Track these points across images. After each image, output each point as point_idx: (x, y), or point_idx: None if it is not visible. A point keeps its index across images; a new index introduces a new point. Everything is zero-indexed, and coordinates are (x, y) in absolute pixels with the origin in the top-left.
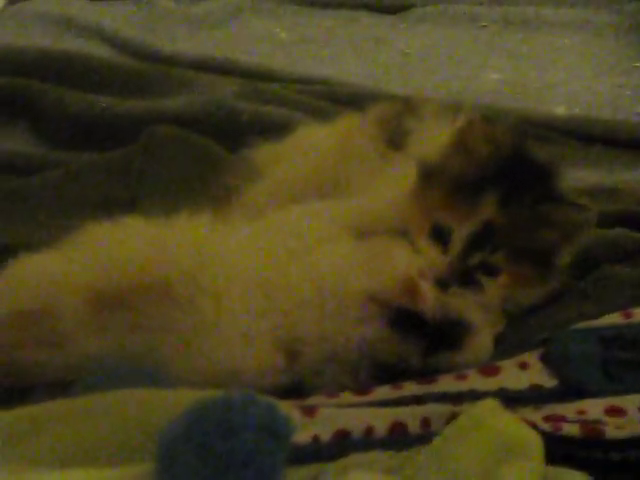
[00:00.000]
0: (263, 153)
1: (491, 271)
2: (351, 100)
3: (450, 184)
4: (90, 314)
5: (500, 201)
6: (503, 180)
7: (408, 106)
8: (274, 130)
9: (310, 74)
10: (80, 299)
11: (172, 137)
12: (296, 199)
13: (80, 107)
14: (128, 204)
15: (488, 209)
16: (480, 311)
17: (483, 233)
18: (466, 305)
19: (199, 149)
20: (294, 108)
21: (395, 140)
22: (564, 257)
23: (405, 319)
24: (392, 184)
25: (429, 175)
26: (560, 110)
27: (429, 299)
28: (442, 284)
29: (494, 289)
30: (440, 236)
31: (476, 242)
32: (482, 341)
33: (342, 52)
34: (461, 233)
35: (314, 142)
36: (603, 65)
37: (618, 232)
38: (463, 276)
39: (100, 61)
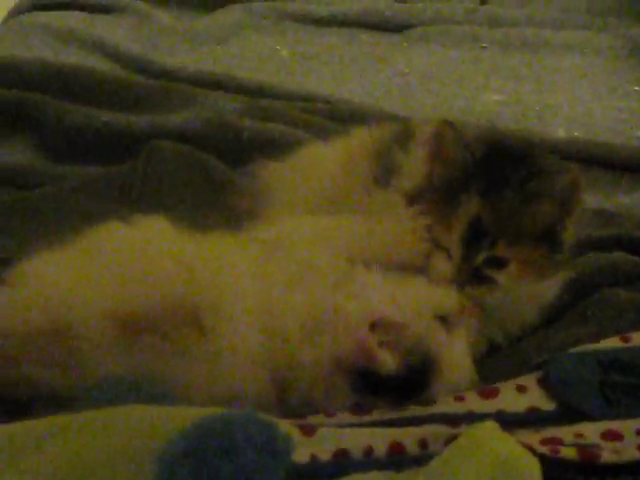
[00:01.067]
0: (269, 173)
1: (499, 263)
2: (352, 119)
3: (434, 197)
4: (115, 337)
5: (482, 195)
6: (481, 175)
7: (402, 134)
8: (275, 147)
9: (311, 92)
10: (105, 321)
11: (174, 153)
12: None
13: (81, 121)
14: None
15: (471, 206)
16: (453, 341)
17: (474, 231)
18: (433, 342)
19: (201, 165)
20: (296, 126)
21: (382, 177)
22: (568, 230)
23: (367, 378)
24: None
25: (412, 199)
26: (560, 132)
27: (382, 358)
28: (459, 286)
29: (507, 280)
30: (440, 247)
31: (471, 241)
32: (455, 371)
33: (343, 70)
34: (455, 238)
35: (319, 164)
36: (603, 88)
37: (617, 256)
38: (474, 276)
39: (102, 75)
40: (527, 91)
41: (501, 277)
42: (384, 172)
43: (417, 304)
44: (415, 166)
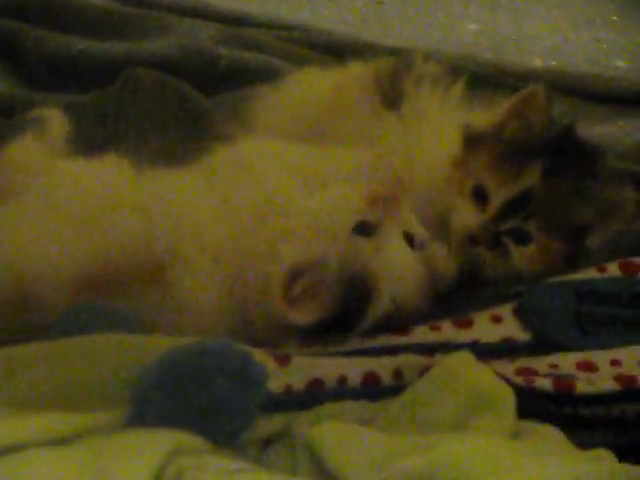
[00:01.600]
0: (257, 97)
1: (522, 238)
2: (330, 48)
3: (498, 148)
4: (77, 298)
5: (544, 172)
6: (550, 153)
7: (405, 66)
8: (253, 76)
9: (288, 21)
10: (69, 284)
11: (150, 80)
12: None
13: (58, 48)
14: (104, 145)
15: (530, 177)
16: (380, 248)
17: (521, 199)
18: (354, 265)
19: (176, 93)
20: (273, 54)
21: (390, 100)
22: (596, 238)
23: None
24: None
25: (475, 140)
26: (537, 62)
27: (292, 316)
28: (472, 241)
29: (520, 257)
30: (479, 197)
31: (513, 207)
32: (392, 278)
33: None
34: (499, 196)
35: (308, 92)
36: (581, 18)
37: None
38: (493, 238)
39: (79, 2)
40: (504, 20)
41: (516, 252)
42: (392, 95)
43: (332, 226)
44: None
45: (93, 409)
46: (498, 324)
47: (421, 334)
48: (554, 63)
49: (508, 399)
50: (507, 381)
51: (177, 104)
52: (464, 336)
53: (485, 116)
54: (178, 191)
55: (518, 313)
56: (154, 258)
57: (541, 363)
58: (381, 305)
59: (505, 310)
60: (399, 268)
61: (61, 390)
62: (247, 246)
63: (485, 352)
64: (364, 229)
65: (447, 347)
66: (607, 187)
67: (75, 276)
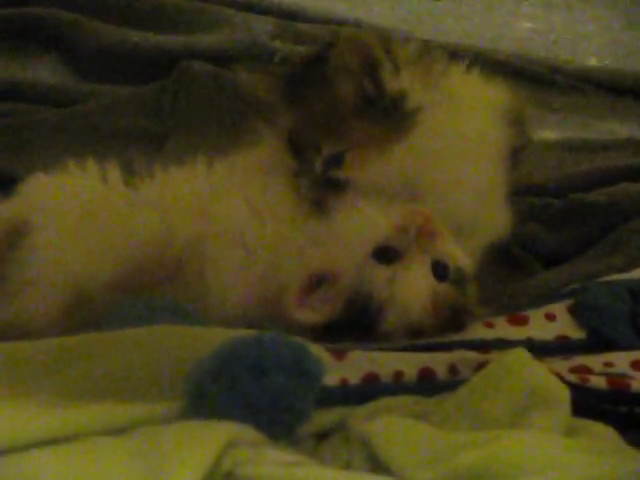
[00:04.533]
0: None
1: (337, 161)
2: None
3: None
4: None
5: (291, 106)
6: (289, 88)
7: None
8: None
9: (343, 16)
10: (108, 289)
11: (205, 73)
12: None
13: (113, 40)
14: (159, 138)
15: (285, 121)
16: (399, 273)
17: (295, 144)
18: (369, 284)
19: (231, 86)
20: None
21: None
22: (385, 79)
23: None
24: None
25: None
26: (591, 61)
27: (302, 316)
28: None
29: (352, 173)
30: (441, 272)
31: (300, 154)
32: (405, 303)
33: None
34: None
35: None
36: (634, 16)
37: None
38: (326, 187)
39: None
40: (558, 19)
41: (343, 173)
42: None
43: (351, 245)
44: None
45: (148, 400)
46: (553, 322)
47: (475, 330)
48: (607, 62)
49: (563, 396)
50: (562, 379)
51: (232, 97)
52: (518, 333)
53: None
54: (208, 185)
55: (573, 311)
56: (174, 254)
57: (595, 361)
58: (391, 329)
59: (560, 308)
60: (411, 300)
61: (116, 381)
62: (280, 246)
63: (539, 350)
64: (384, 255)
65: (502, 344)
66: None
67: (111, 278)
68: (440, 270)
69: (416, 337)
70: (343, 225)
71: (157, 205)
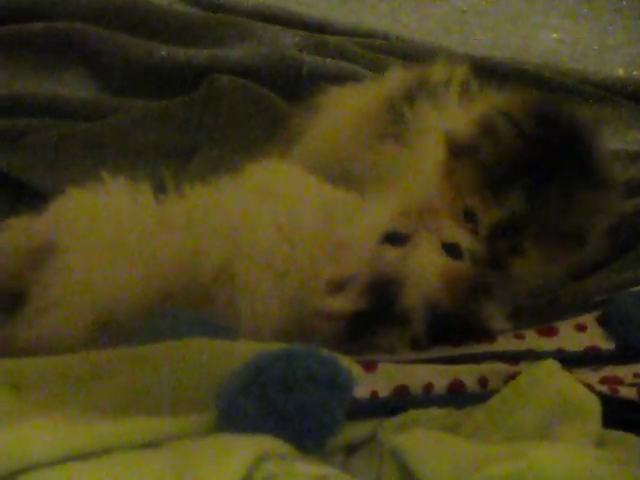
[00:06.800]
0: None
1: (518, 252)
2: (411, 55)
3: (478, 169)
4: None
5: (527, 193)
6: (532, 171)
7: (417, 83)
8: (335, 83)
9: (370, 28)
10: (136, 310)
11: (233, 87)
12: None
13: (140, 54)
14: (188, 152)
15: (514, 202)
16: (410, 254)
17: (508, 223)
18: (384, 267)
19: (260, 100)
20: (355, 62)
21: (392, 131)
22: (595, 234)
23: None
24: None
25: (458, 154)
26: (619, 72)
27: (330, 305)
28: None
29: (521, 268)
30: (470, 218)
31: (502, 230)
32: (418, 282)
33: (401, 6)
34: (487, 221)
35: (338, 118)
36: None
37: None
38: (491, 257)
39: (160, 8)
40: (585, 30)
41: (516, 262)
42: (394, 126)
43: (360, 238)
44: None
45: (180, 414)
46: (582, 333)
47: (505, 342)
48: (635, 73)
49: (594, 407)
50: (592, 390)
51: (261, 111)
52: (548, 344)
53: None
54: (234, 206)
55: (602, 322)
56: (203, 280)
57: (626, 372)
58: (412, 306)
59: (589, 319)
60: (429, 273)
61: (148, 395)
62: (306, 263)
63: (569, 360)
64: (394, 239)
65: (531, 355)
66: (593, 196)
67: (137, 303)
68: (451, 249)
69: (442, 318)
70: (352, 227)
71: (185, 227)
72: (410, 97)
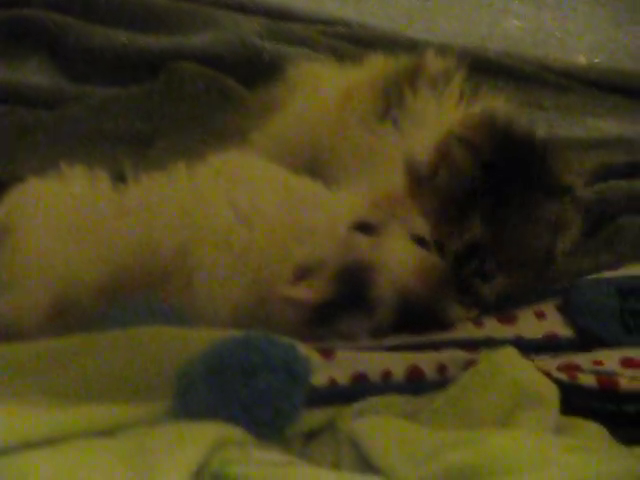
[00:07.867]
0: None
1: (486, 277)
2: (373, 43)
3: (438, 197)
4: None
5: (485, 218)
6: (489, 192)
7: (411, 70)
8: None
9: (332, 15)
10: (100, 294)
11: (193, 74)
12: (288, 160)
13: (101, 42)
14: (148, 139)
15: (472, 229)
16: (380, 242)
17: (470, 251)
18: (353, 255)
19: (220, 87)
20: (317, 49)
21: (387, 113)
22: (560, 247)
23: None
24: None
25: (418, 180)
26: (581, 59)
27: (295, 295)
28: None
29: (490, 292)
30: (422, 245)
31: (464, 257)
32: (392, 269)
33: None
34: (449, 249)
35: (315, 106)
36: (624, 14)
37: (637, 183)
38: (459, 283)
39: None
40: (548, 17)
41: (485, 289)
42: (390, 108)
43: (329, 225)
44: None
45: (138, 400)
46: (542, 320)
47: (464, 329)
48: (597, 60)
49: (552, 395)
50: (550, 377)
51: (221, 98)
52: (507, 332)
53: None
54: (191, 191)
55: (562, 309)
56: (160, 262)
57: (584, 359)
58: (383, 294)
59: (549, 306)
60: (399, 261)
61: (106, 382)
62: (267, 246)
63: (528, 348)
64: (363, 228)
65: (491, 343)
66: (557, 211)
67: (96, 283)
68: (420, 242)
69: (411, 308)
70: (318, 214)
71: (142, 212)
72: (412, 82)
